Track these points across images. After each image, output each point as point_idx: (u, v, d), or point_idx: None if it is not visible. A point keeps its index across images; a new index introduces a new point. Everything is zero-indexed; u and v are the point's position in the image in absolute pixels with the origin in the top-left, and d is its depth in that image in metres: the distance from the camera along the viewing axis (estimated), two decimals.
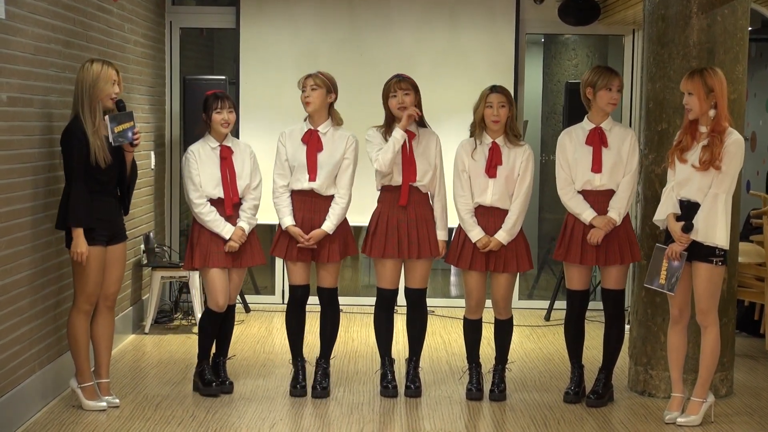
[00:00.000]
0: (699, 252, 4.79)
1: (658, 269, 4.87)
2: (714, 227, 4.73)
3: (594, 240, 5.08)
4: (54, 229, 4.95)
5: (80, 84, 4.77)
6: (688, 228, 4.76)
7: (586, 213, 5.12)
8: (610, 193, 5.11)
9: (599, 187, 5.12)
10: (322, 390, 5.29)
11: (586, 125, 5.19)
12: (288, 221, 5.22)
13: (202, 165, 5.21)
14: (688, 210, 4.80)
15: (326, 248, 5.24)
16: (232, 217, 5.24)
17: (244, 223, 5.25)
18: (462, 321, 5.40)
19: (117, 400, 5.05)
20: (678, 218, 4.83)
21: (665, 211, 4.88)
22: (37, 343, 4.94)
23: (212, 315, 5.28)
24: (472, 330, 5.35)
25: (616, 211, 5.07)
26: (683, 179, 4.82)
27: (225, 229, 5.20)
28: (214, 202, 5.22)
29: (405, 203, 5.21)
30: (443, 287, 8.91)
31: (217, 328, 5.32)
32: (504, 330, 5.33)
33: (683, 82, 4.84)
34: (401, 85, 5.16)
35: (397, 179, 5.21)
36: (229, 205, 5.22)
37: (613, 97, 5.10)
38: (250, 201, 5.30)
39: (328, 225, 5.22)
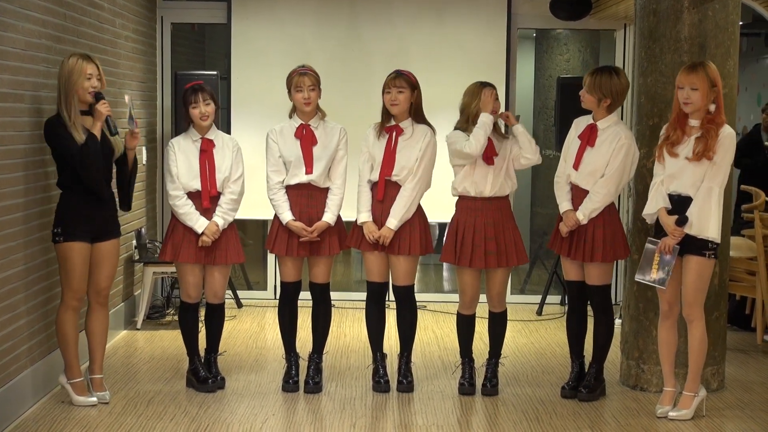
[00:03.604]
0: (692, 245, 4.78)
1: (649, 263, 4.85)
2: (707, 221, 4.72)
3: (561, 232, 5.13)
4: (44, 225, 4.92)
5: (59, 79, 4.79)
6: (682, 221, 4.75)
7: (561, 205, 5.16)
8: (587, 192, 5.08)
9: (575, 183, 5.13)
10: (314, 385, 5.28)
11: (590, 119, 5.18)
12: (288, 216, 5.20)
13: (180, 157, 5.19)
14: (679, 204, 4.79)
15: (326, 241, 5.24)
16: (209, 210, 5.20)
17: (219, 219, 5.20)
18: (455, 316, 5.39)
19: (107, 396, 5.03)
20: (669, 212, 4.82)
21: (656, 205, 4.86)
22: (28, 339, 4.92)
23: (187, 307, 5.29)
24: (466, 325, 5.34)
25: (582, 210, 5.05)
26: (674, 173, 4.80)
27: (198, 223, 5.16)
28: (192, 195, 5.19)
29: (381, 198, 5.21)
30: (436, 282, 8.89)
31: (195, 320, 5.32)
32: (499, 322, 5.33)
33: (684, 76, 4.77)
34: (396, 82, 5.16)
35: (375, 174, 5.21)
36: (206, 197, 5.18)
37: (580, 93, 5.13)
38: (227, 195, 5.22)
39: (329, 216, 5.21)
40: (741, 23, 5.46)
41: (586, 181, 5.07)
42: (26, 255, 4.88)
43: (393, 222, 5.16)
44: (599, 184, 5.03)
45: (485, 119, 5.09)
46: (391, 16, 7.55)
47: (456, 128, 5.21)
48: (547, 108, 8.99)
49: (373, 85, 5.29)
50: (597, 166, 5.04)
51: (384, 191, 5.19)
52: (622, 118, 7.51)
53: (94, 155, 4.72)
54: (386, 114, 5.24)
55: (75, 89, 4.73)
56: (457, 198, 5.27)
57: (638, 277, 4.95)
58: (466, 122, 5.18)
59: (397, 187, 5.20)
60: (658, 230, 4.89)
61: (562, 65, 8.96)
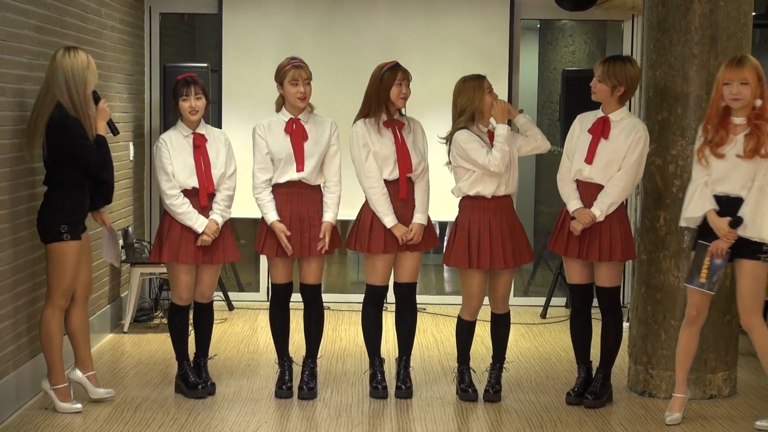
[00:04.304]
0: (744, 249, 4.65)
1: (699, 267, 4.73)
2: (763, 221, 4.60)
3: (573, 231, 4.99)
4: (31, 223, 4.87)
5: (67, 71, 4.68)
6: (737, 223, 4.61)
7: (571, 203, 5.03)
8: (600, 188, 4.97)
9: (587, 179, 5.00)
10: (309, 391, 5.18)
11: (598, 113, 5.08)
12: (273, 216, 5.10)
13: (174, 154, 5.08)
14: (728, 206, 4.66)
15: (318, 241, 5.12)
16: (206, 208, 5.13)
17: (218, 216, 5.13)
18: (456, 321, 5.26)
19: (112, 392, 5.08)
20: (717, 214, 4.69)
21: (702, 207, 4.71)
22: (11, 342, 4.84)
23: (178, 309, 5.23)
24: (468, 331, 5.24)
25: (598, 206, 4.94)
26: (722, 175, 4.67)
27: (198, 222, 5.08)
28: (189, 193, 5.10)
29: (405, 196, 5.12)
30: (436, 284, 8.83)
31: (185, 323, 5.26)
32: (504, 324, 5.24)
33: (732, 71, 4.64)
34: (407, 75, 5.11)
35: (394, 172, 5.09)
36: (204, 195, 5.10)
37: (591, 83, 5.02)
38: (223, 192, 5.17)
39: (331, 215, 5.14)
40: (753, 14, 5.37)
41: (601, 175, 4.95)
42: (15, 253, 4.82)
43: (423, 217, 5.14)
44: (617, 178, 4.92)
45: (504, 132, 5.00)
46: (388, 6, 7.47)
47: (461, 127, 5.04)
48: (552, 102, 8.98)
49: (368, 77, 5.16)
50: (613, 159, 4.93)
51: (406, 189, 5.10)
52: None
53: (108, 156, 4.87)
54: (377, 107, 5.09)
55: (88, 86, 4.73)
56: (463, 198, 5.12)
57: (686, 282, 4.82)
58: (471, 121, 5.04)
59: (410, 183, 5.15)
60: (703, 233, 4.75)
61: (568, 57, 8.95)
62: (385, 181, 5.11)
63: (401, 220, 5.11)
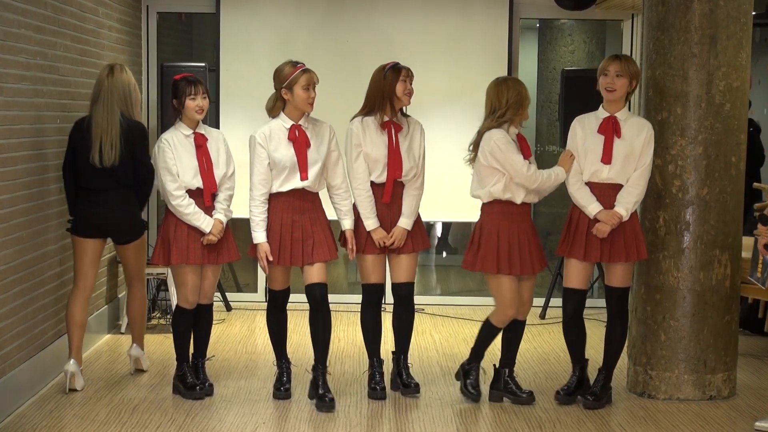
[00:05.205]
0: None
1: (756, 261, 4.81)
2: None
3: (600, 234, 4.92)
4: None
5: (126, 86, 5.20)
6: (764, 220, 4.64)
7: (591, 206, 4.95)
8: (617, 188, 4.94)
9: (606, 180, 4.95)
10: (329, 402, 4.98)
11: (600, 113, 5.03)
12: (261, 238, 5.00)
13: (177, 154, 5.03)
14: None
15: (324, 246, 5.06)
16: (209, 208, 5.10)
17: (221, 216, 5.11)
18: (484, 322, 5.13)
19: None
20: None
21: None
22: (10, 341, 4.82)
23: (184, 313, 5.18)
24: (492, 336, 5.12)
25: (623, 206, 4.91)
26: None
27: (205, 222, 5.04)
28: (192, 193, 5.07)
29: (389, 200, 5.08)
30: (435, 285, 8.80)
31: (190, 326, 5.22)
32: (521, 330, 5.20)
33: None
34: (410, 72, 5.09)
35: (382, 176, 5.06)
36: (207, 195, 5.07)
37: (606, 82, 4.94)
38: (225, 191, 5.15)
39: (349, 222, 5.11)
40: (753, 13, 5.35)
41: (621, 174, 4.93)
42: (14, 252, 4.85)
43: (408, 222, 5.10)
44: (636, 176, 4.93)
45: (564, 178, 5.02)
46: (386, 5, 7.44)
47: (498, 121, 4.92)
48: (551, 102, 8.94)
49: (367, 78, 5.13)
50: (630, 157, 4.92)
51: (392, 193, 5.07)
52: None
53: None
54: (380, 106, 5.04)
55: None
56: (492, 202, 4.99)
57: (749, 276, 4.88)
58: (509, 120, 4.92)
59: (401, 185, 5.09)
60: None
61: (567, 57, 8.92)
62: (373, 183, 5.08)
63: (384, 223, 5.08)
